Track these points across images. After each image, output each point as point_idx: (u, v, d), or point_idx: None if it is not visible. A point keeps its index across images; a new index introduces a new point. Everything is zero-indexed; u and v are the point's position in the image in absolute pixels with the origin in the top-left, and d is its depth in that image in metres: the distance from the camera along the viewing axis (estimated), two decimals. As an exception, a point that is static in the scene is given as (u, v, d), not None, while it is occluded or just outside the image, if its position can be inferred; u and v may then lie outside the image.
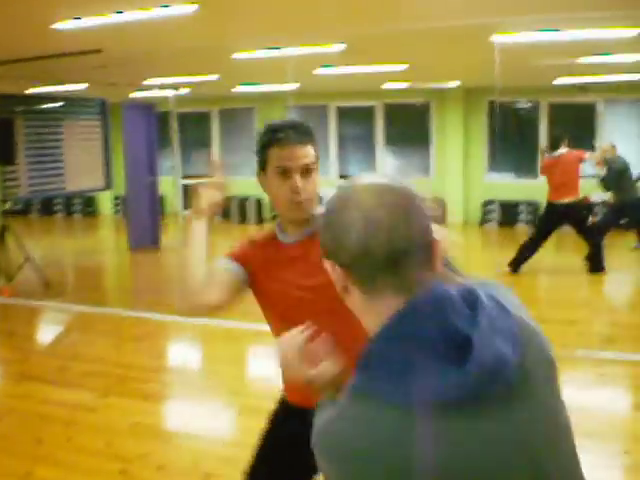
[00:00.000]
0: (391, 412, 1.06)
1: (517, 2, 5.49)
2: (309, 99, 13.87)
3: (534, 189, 12.28)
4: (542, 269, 8.92)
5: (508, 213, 13.01)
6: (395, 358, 1.09)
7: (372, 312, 1.16)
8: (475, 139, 13.47)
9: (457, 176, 13.43)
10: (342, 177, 14.30)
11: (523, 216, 12.82)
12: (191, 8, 5.24)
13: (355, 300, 1.19)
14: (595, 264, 8.45)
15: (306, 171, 2.02)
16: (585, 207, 9.04)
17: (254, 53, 7.68)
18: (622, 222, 9.61)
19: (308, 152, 2.03)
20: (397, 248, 1.11)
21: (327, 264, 1.21)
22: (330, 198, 1.22)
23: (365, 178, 1.20)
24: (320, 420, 1.21)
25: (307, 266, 2.00)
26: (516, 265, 8.48)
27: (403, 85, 12.11)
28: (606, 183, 9.22)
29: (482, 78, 11.47)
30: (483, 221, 13.28)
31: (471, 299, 1.13)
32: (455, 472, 1.05)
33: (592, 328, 6.36)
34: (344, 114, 14.62)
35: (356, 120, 14.75)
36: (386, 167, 14.25)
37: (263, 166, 2.07)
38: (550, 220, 8.43)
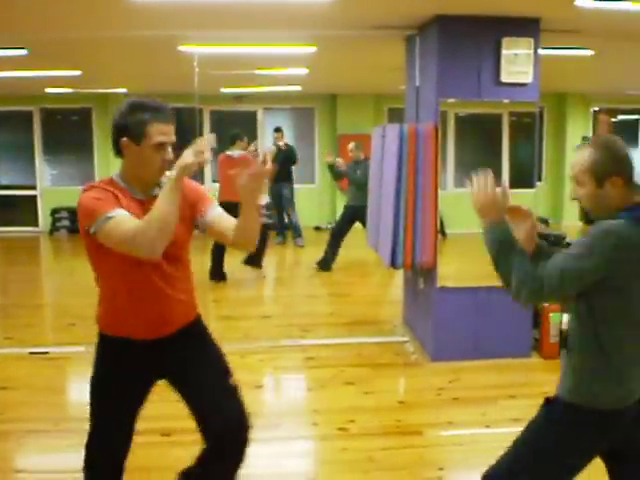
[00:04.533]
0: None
1: (199, 18, 5.75)
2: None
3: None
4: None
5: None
6: None
7: (627, 198, 2.26)
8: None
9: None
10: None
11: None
12: None
13: (612, 194, 2.25)
14: (253, 260, 8.90)
15: (171, 145, 2.51)
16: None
17: None
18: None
19: (174, 130, 2.52)
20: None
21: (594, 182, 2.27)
22: (606, 144, 2.29)
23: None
24: (601, 227, 2.18)
25: None
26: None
27: (66, 90, 11.74)
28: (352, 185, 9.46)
29: (148, 85, 11.62)
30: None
31: None
32: None
33: (288, 320, 6.92)
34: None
35: (12, 126, 13.82)
36: (45, 176, 13.67)
37: (138, 138, 2.43)
38: None
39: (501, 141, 12.13)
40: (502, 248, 2.32)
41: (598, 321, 2.24)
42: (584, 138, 13.97)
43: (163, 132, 2.45)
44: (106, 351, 2.67)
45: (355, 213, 9.29)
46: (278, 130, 11.49)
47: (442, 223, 5.73)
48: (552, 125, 14.02)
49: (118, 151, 2.52)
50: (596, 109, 14.20)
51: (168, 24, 5.83)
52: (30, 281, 9.40)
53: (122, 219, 2.37)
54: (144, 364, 2.64)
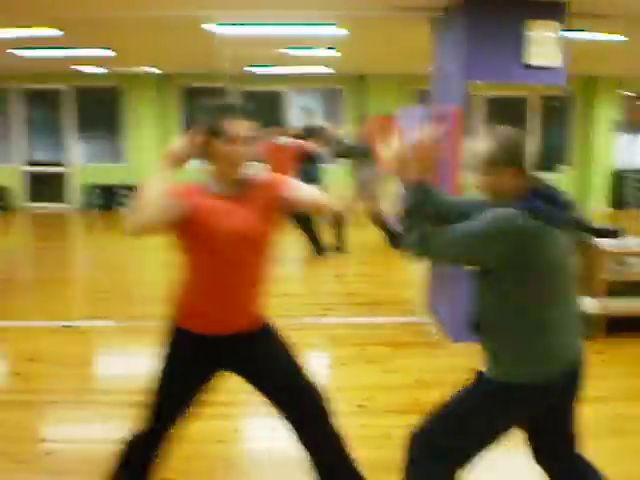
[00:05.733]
0: (536, 222, 2.26)
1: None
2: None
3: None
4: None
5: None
6: (538, 203, 2.30)
7: (518, 186, 2.36)
8: (170, 124, 13.63)
9: (155, 161, 13.32)
10: (31, 164, 13.63)
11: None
12: None
13: (506, 182, 2.37)
14: (317, 247, 8.88)
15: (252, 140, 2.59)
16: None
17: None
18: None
19: (254, 126, 2.58)
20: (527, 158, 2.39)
21: (488, 171, 2.39)
22: (500, 135, 2.40)
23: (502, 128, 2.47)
24: (495, 212, 2.30)
25: (241, 213, 2.61)
26: None
27: (96, 69, 11.88)
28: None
29: (178, 64, 11.72)
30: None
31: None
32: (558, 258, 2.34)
33: (310, 299, 7.02)
34: (31, 97, 13.83)
35: (44, 104, 14.02)
36: (77, 153, 13.87)
37: (216, 134, 2.51)
38: None
39: (528, 124, 12.02)
40: (414, 208, 2.44)
41: (514, 306, 2.35)
42: (614, 122, 13.82)
43: (240, 127, 2.52)
44: (179, 344, 2.74)
45: None
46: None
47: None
48: (581, 109, 13.89)
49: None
50: (627, 93, 14.04)
51: (196, 3, 5.89)
52: (63, 256, 9.59)
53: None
54: (213, 360, 2.76)
